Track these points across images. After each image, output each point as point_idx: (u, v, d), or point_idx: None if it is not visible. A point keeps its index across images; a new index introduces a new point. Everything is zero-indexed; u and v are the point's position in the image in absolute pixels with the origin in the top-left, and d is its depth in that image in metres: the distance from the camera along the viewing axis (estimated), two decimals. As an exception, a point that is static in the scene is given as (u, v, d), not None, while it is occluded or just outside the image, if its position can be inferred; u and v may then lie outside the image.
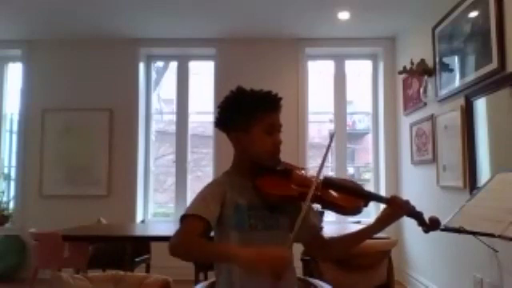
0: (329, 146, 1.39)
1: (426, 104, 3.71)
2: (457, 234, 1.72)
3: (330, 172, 4.66)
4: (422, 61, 3.65)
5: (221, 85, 4.53)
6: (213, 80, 4.70)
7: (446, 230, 1.70)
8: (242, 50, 4.63)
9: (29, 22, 4.24)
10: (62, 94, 4.65)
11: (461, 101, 3.05)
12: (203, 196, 1.38)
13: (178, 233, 1.28)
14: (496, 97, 2.64)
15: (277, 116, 1.43)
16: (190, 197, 4.46)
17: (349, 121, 5.37)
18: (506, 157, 2.51)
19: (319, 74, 5.19)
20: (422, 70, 3.62)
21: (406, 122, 4.20)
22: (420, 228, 1.41)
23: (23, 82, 4.70)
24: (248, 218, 1.36)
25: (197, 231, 1.28)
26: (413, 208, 1.39)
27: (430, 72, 3.55)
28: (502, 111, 2.58)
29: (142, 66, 4.74)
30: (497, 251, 2.15)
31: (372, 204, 1.58)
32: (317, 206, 1.48)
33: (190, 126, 4.90)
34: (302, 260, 2.56)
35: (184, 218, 1.32)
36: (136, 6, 3.83)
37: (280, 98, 1.43)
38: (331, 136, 1.51)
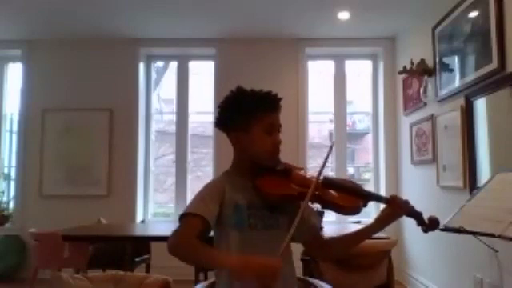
0: (328, 154, 1.39)
1: (425, 104, 3.71)
2: (457, 234, 1.72)
3: (330, 172, 4.66)
4: (422, 61, 3.65)
5: (221, 85, 4.53)
6: (213, 80, 4.70)
7: (446, 229, 1.71)
8: (242, 50, 4.63)
9: (29, 22, 4.24)
10: (61, 94, 4.65)
11: (461, 101, 3.05)
12: (202, 195, 1.38)
13: (177, 232, 1.28)
14: (496, 97, 2.64)
15: (277, 116, 1.43)
16: (190, 197, 4.43)
17: (349, 121, 5.37)
18: (506, 157, 2.51)
19: (319, 74, 5.19)
20: (422, 70, 3.62)
21: (405, 122, 4.20)
22: (419, 228, 1.42)
23: (23, 82, 4.70)
24: (247, 217, 1.36)
25: (196, 230, 1.28)
26: (412, 208, 1.39)
27: (430, 72, 3.55)
28: (501, 111, 2.58)
29: (142, 66, 4.74)
30: (497, 251, 2.15)
31: (372, 204, 1.59)
32: (317, 206, 1.48)
33: (190, 125, 4.90)
34: (301, 260, 2.55)
35: (183, 217, 1.32)
36: (136, 6, 3.83)
37: (280, 98, 1.43)
38: (331, 145, 1.50)
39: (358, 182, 1.56)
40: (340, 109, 4.77)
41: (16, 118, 4.82)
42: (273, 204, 1.39)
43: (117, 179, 4.53)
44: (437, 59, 3.46)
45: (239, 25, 4.28)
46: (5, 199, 4.82)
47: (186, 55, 4.86)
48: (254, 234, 1.36)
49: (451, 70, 3.24)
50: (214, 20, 4.19)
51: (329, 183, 1.40)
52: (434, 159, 3.51)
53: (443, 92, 3.34)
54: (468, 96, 2.94)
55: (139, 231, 3.44)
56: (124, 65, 4.65)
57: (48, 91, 4.67)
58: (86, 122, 4.59)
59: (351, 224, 3.65)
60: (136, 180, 4.55)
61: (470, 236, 1.63)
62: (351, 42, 4.62)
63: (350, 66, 4.91)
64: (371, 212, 4.24)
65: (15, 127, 4.86)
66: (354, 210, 1.38)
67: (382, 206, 1.44)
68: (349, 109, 5.00)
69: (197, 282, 3.02)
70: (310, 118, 4.76)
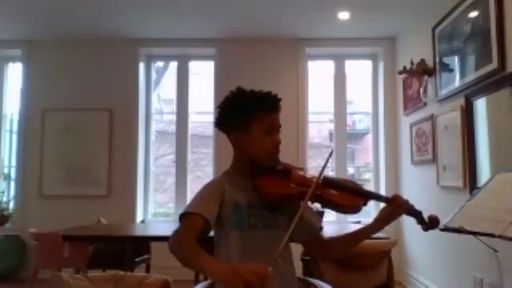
0: (327, 161, 1.39)
1: (425, 104, 3.71)
2: (457, 234, 1.72)
3: (330, 172, 4.66)
4: (422, 61, 3.65)
5: (221, 85, 4.53)
6: (213, 80, 4.70)
7: (446, 229, 1.71)
8: (242, 50, 4.63)
9: (29, 21, 4.24)
10: (62, 94, 4.65)
11: (461, 101, 3.05)
12: (202, 195, 1.39)
13: (177, 232, 1.29)
14: (496, 97, 2.64)
15: (276, 116, 1.43)
16: (190, 197, 4.42)
17: (349, 121, 5.37)
18: (506, 157, 2.51)
19: (319, 74, 5.19)
20: (422, 70, 3.62)
21: (405, 122, 4.20)
22: (419, 227, 1.42)
23: (23, 82, 4.70)
24: (247, 217, 1.36)
25: (196, 229, 1.28)
26: (412, 206, 1.40)
27: (430, 72, 3.55)
28: (501, 111, 2.58)
29: (142, 66, 4.74)
30: (497, 251, 2.15)
31: (372, 203, 1.59)
32: (317, 206, 1.48)
33: (190, 125, 4.89)
34: (301, 260, 2.55)
35: (183, 217, 1.32)
36: (136, 6, 3.83)
37: (279, 99, 1.44)
38: (330, 153, 1.50)
39: (358, 182, 1.56)
40: (340, 109, 4.78)
41: (16, 117, 4.82)
42: (273, 204, 1.39)
43: (117, 179, 4.53)
44: (437, 59, 3.46)
45: (239, 25, 4.28)
46: (5, 199, 4.82)
47: (186, 55, 4.86)
48: (253, 234, 1.36)
49: (451, 70, 3.24)
50: (214, 20, 4.19)
51: (329, 182, 1.41)
52: (434, 159, 3.51)
53: (443, 92, 3.34)
54: (468, 96, 2.94)
55: (139, 231, 3.44)
56: (124, 65, 4.65)
57: (48, 91, 4.67)
58: (86, 122, 4.59)
59: (351, 224, 3.64)
60: (136, 180, 4.56)
61: (470, 236, 1.63)
62: (351, 42, 4.62)
63: (350, 66, 4.91)
64: (371, 211, 4.24)
65: (15, 127, 4.86)
66: (354, 209, 1.39)
67: (382, 205, 1.44)
68: (349, 109, 5.00)
69: (197, 282, 3.02)
70: (310, 118, 4.76)
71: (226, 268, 1.12)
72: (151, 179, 4.82)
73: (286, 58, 4.63)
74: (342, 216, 3.83)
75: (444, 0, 3.28)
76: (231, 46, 4.62)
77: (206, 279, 3.07)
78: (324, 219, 2.79)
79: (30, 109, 4.65)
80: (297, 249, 1.56)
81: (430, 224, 1.39)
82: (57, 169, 4.55)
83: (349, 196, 1.39)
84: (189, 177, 4.80)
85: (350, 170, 5.80)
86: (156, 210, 4.99)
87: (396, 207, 1.38)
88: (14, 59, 4.86)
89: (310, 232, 1.49)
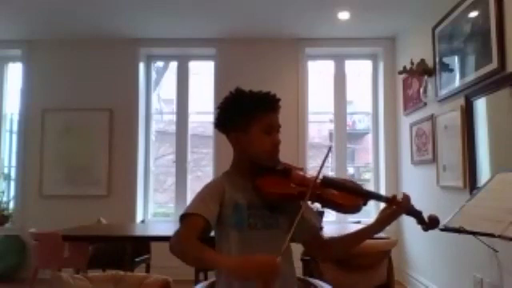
0: (326, 157, 1.39)
1: (425, 104, 3.71)
2: (457, 234, 1.72)
3: (329, 172, 4.66)
4: (422, 61, 3.65)
5: (221, 85, 4.53)
6: (213, 80, 4.70)
7: (446, 229, 1.71)
8: (242, 50, 4.63)
9: (29, 21, 4.24)
10: (62, 94, 4.65)
11: (461, 101, 3.05)
12: (202, 196, 1.39)
13: (178, 232, 1.29)
14: (496, 97, 2.64)
15: (275, 116, 1.44)
16: (190, 197, 4.43)
17: (349, 121, 5.37)
18: (506, 157, 2.51)
19: (319, 73, 5.19)
20: (422, 70, 3.62)
21: (406, 122, 4.20)
22: (419, 226, 1.42)
23: (23, 82, 4.70)
24: (247, 217, 1.37)
25: (196, 230, 1.28)
26: (412, 206, 1.39)
27: (430, 72, 3.55)
28: (502, 111, 2.58)
29: (142, 66, 4.74)
30: (497, 251, 2.15)
31: (372, 203, 1.59)
32: (317, 206, 1.48)
33: (190, 125, 4.89)
34: (301, 260, 2.55)
35: (183, 218, 1.32)
36: (136, 6, 3.83)
37: (278, 99, 1.44)
38: (329, 148, 1.51)
39: (358, 182, 1.56)
40: (340, 109, 4.78)
41: (16, 117, 4.82)
42: (273, 204, 1.39)
43: (117, 179, 4.53)
44: (437, 59, 3.46)
45: (239, 25, 4.28)
46: (5, 199, 4.82)
47: (186, 55, 4.86)
48: (253, 234, 1.36)
49: (451, 70, 3.24)
50: (214, 20, 4.19)
51: (329, 182, 1.41)
52: (434, 159, 3.51)
53: (443, 92, 3.34)
54: (468, 96, 2.94)
55: (139, 231, 3.44)
56: (124, 65, 4.65)
57: (48, 91, 4.67)
58: (86, 122, 4.59)
59: (351, 224, 3.65)
60: (136, 180, 4.55)
61: (470, 236, 1.63)
62: (351, 42, 4.62)
63: (350, 66, 4.91)
64: (371, 211, 4.25)
65: (15, 127, 4.86)
66: (354, 209, 1.39)
67: (382, 205, 1.44)
68: (349, 109, 5.00)
69: (197, 281, 3.02)
70: (310, 117, 4.76)
71: (238, 259, 1.18)
72: (151, 179, 4.82)
73: (286, 58, 4.63)
74: (342, 216, 3.83)
75: (444, 0, 3.28)
76: (231, 45, 4.62)
77: (206, 279, 3.07)
78: (324, 219, 2.78)
79: (29, 109, 4.65)
80: (297, 249, 1.56)
81: (430, 224, 1.39)
82: (57, 169, 4.55)
83: (349, 196, 1.39)
84: (189, 177, 4.80)
85: (350, 170, 5.80)
86: (156, 210, 4.99)
87: (396, 207, 1.38)
88: (14, 59, 4.86)
89: (310, 232, 1.49)
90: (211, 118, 4.30)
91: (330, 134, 5.25)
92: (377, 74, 4.81)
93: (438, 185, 3.43)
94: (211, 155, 4.76)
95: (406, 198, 1.38)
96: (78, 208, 4.41)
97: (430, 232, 1.42)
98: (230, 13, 3.99)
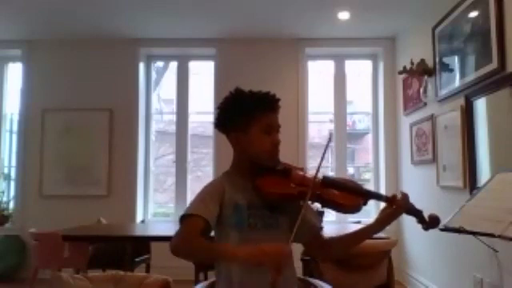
0: (327, 145, 1.39)
1: (425, 104, 3.71)
2: (457, 234, 1.72)
3: (329, 172, 4.67)
4: (422, 61, 3.65)
5: (221, 85, 4.53)
6: (213, 80, 4.70)
7: (446, 229, 1.71)
8: (242, 50, 4.63)
9: (29, 22, 4.24)
10: (62, 94, 4.65)
11: (461, 101, 3.05)
12: (202, 196, 1.39)
13: (179, 233, 1.29)
14: (496, 97, 2.64)
15: (275, 116, 1.44)
16: (190, 197, 4.46)
17: (349, 121, 5.37)
18: (506, 157, 2.51)
19: (319, 73, 5.19)
20: (422, 70, 3.62)
21: (406, 122, 4.20)
22: (420, 226, 1.41)
23: (23, 82, 4.70)
24: (247, 217, 1.37)
25: (197, 230, 1.28)
26: (412, 206, 1.39)
27: (430, 72, 3.55)
28: (501, 111, 2.58)
29: (142, 66, 4.74)
30: (497, 251, 2.15)
31: (372, 203, 1.59)
32: (317, 206, 1.48)
33: (190, 125, 4.89)
34: (302, 260, 2.55)
35: (184, 219, 1.32)
36: (136, 6, 3.83)
37: (278, 99, 1.44)
38: (329, 136, 1.52)
39: (358, 182, 1.56)
40: (340, 109, 4.78)
41: (16, 117, 4.82)
42: (273, 204, 1.40)
43: (117, 179, 4.53)
44: (437, 59, 3.46)
45: (239, 25, 4.28)
46: (5, 199, 4.82)
47: (186, 55, 4.86)
48: (253, 234, 1.36)
49: (451, 70, 3.24)
50: (214, 20, 4.19)
51: (328, 182, 1.41)
52: (434, 159, 3.51)
53: (443, 92, 3.34)
54: (468, 96, 2.94)
55: (139, 231, 3.44)
56: (124, 65, 4.65)
57: (48, 91, 4.67)
58: (86, 122, 4.59)
59: (351, 224, 3.64)
60: (136, 180, 4.55)
61: (470, 236, 1.63)
62: (351, 42, 4.63)
63: (350, 66, 4.91)
64: (371, 211, 4.25)
65: (15, 127, 4.86)
66: (355, 209, 1.39)
67: (382, 205, 1.44)
68: (349, 109, 5.00)
69: (197, 282, 3.02)
70: (310, 118, 4.76)
71: (249, 248, 1.19)
72: (151, 179, 4.82)
73: (286, 58, 4.63)
74: (342, 216, 3.82)
75: (444, 0, 3.28)
76: (231, 45, 4.62)
77: (206, 279, 3.07)
78: (324, 219, 2.79)
79: (29, 109, 4.65)
80: (297, 249, 1.56)
81: (430, 223, 1.39)
82: (57, 169, 4.55)
83: (349, 195, 1.39)
84: (189, 177, 4.80)
85: (350, 170, 5.80)
86: (156, 210, 4.99)
87: (396, 207, 1.38)
88: (14, 59, 4.86)
89: (311, 232, 1.49)
90: (211, 118, 4.30)
91: (330, 134, 5.25)
92: (377, 74, 4.81)
93: (438, 185, 3.43)
94: (211, 155, 4.76)
95: (404, 196, 1.38)
96: (77, 208, 4.41)
97: (430, 232, 1.42)
98: (230, 13, 3.99)
